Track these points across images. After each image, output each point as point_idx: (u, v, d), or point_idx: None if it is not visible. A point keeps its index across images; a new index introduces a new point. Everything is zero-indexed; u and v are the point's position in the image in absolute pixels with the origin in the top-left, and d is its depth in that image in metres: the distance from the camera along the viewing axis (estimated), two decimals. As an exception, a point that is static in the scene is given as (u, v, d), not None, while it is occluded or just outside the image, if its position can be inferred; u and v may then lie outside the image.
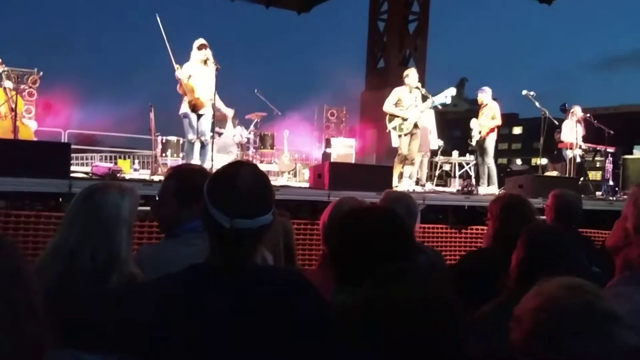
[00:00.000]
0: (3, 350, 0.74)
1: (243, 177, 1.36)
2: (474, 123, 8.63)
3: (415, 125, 7.52)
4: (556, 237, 1.95)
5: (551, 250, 1.86)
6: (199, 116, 6.79)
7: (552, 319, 1.07)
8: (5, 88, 6.64)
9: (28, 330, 0.79)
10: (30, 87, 9.06)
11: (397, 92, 7.59)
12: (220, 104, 7.05)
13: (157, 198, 2.05)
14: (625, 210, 1.57)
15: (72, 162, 6.57)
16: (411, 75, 7.63)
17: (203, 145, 6.86)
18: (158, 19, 6.82)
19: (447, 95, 7.65)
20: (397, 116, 7.47)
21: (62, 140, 11.02)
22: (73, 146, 8.60)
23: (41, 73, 9.22)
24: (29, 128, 7.25)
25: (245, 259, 1.38)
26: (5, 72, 6.76)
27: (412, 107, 7.48)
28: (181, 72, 6.62)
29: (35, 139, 7.42)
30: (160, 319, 1.33)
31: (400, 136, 7.52)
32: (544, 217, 3.26)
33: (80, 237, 1.72)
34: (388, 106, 7.55)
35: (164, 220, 2.06)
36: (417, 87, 7.61)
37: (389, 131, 7.67)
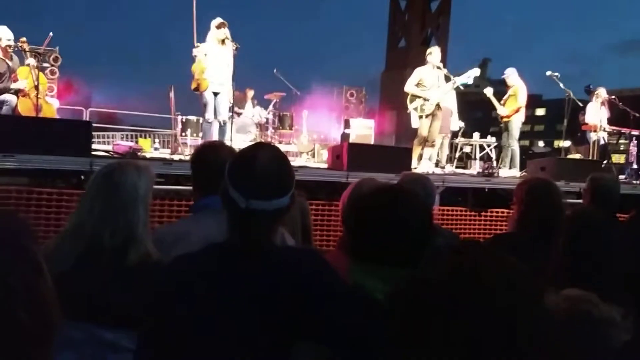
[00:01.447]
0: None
1: (261, 159, 1.37)
2: (499, 110, 8.45)
3: (438, 106, 7.37)
4: (598, 222, 1.90)
5: (595, 236, 1.81)
6: (216, 94, 6.77)
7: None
8: (30, 66, 6.70)
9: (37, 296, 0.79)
10: (52, 66, 9.11)
11: (418, 72, 7.45)
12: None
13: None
14: None
15: (93, 140, 6.64)
16: (434, 53, 7.48)
17: (221, 125, 6.86)
18: None
19: (470, 76, 7.50)
20: (419, 97, 7.36)
21: (84, 119, 11.13)
22: (94, 124, 8.65)
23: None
24: (52, 106, 7.33)
25: (261, 239, 1.38)
26: (29, 51, 6.81)
27: (434, 87, 7.35)
28: (198, 50, 6.63)
29: (57, 117, 7.49)
30: (177, 298, 1.35)
31: (421, 117, 7.39)
32: (579, 201, 3.16)
33: (101, 216, 1.74)
34: (409, 86, 7.42)
35: None
36: (438, 67, 7.47)
37: (410, 112, 7.57)
